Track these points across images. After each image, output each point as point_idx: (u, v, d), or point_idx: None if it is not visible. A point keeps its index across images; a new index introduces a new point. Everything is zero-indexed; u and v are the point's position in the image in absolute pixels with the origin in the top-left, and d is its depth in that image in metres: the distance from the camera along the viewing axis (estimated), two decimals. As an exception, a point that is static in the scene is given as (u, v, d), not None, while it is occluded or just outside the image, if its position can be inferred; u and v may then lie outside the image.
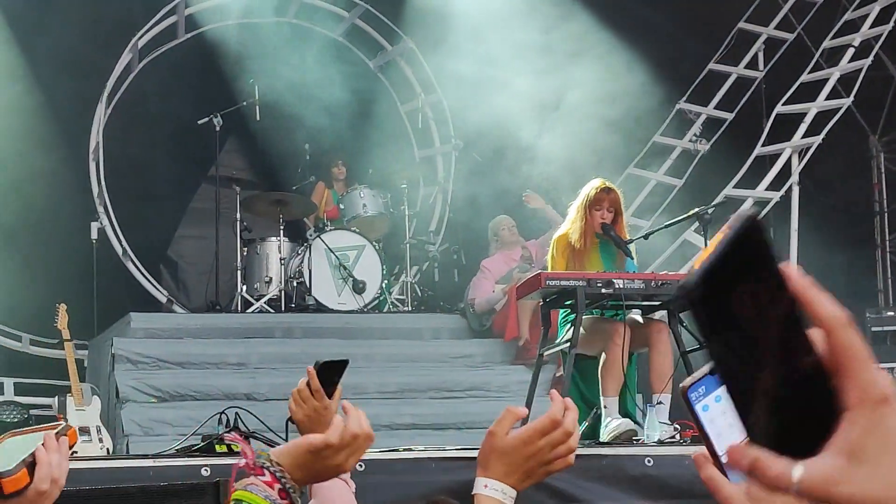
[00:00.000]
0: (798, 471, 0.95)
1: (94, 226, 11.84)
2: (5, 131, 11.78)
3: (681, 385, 1.41)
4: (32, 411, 11.01)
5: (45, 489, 2.48)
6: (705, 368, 1.44)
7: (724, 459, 1.47)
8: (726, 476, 1.45)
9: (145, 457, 6.65)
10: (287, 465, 2.30)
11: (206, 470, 5.67)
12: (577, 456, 6.68)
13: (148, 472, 6.04)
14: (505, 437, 2.29)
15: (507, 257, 11.74)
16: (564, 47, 12.85)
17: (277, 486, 2.26)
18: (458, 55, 13.28)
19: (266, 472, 2.27)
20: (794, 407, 0.98)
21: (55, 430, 2.60)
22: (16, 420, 10.74)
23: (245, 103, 12.55)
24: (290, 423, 3.23)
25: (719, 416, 1.41)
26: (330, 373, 3.15)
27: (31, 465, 2.50)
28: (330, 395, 3.11)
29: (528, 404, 8.01)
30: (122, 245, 12.50)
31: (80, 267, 11.61)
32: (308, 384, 3.10)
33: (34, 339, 12.04)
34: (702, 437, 1.45)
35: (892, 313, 12.22)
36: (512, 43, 13.08)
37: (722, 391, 1.41)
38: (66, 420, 9.31)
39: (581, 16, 13.07)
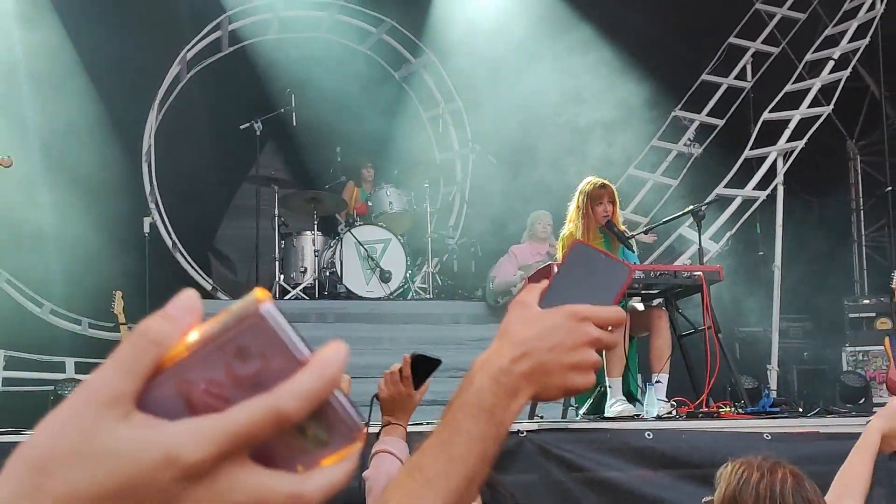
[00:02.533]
0: None
1: (147, 221, 11.86)
2: (68, 136, 11.80)
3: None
4: (91, 388, 11.01)
5: None
6: None
7: None
8: None
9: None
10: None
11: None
12: (584, 430, 6.63)
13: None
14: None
15: (535, 249, 11.63)
16: (571, 59, 12.86)
17: None
18: (475, 66, 13.30)
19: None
20: None
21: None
22: (76, 396, 10.75)
23: (283, 110, 12.53)
24: (374, 399, 3.15)
25: None
26: (423, 366, 3.06)
27: None
28: (417, 387, 3.05)
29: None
30: (171, 238, 12.53)
31: (134, 258, 11.61)
32: (400, 370, 3.03)
33: (93, 323, 12.05)
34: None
35: (867, 301, 12.14)
36: (524, 55, 13.11)
37: None
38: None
39: (585, 30, 13.09)
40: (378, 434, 3.11)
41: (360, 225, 11.81)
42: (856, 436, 6.46)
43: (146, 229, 11.75)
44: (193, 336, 0.73)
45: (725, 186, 12.72)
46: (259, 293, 0.75)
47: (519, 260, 11.47)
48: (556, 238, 11.67)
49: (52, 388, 11.05)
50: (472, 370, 1.44)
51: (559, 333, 1.40)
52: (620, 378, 7.98)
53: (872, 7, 12.96)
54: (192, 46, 13.13)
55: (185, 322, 0.73)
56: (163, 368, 0.72)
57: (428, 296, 12.37)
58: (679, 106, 14.02)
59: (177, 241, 12.62)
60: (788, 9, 14.09)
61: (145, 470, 0.69)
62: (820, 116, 12.63)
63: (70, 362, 11.73)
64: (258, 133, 12.14)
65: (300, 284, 11.61)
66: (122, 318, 9.74)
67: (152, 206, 12.33)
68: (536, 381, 1.41)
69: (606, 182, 8.37)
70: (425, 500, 1.38)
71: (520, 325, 1.43)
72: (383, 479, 2.98)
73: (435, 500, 1.38)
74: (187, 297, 0.75)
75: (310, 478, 0.73)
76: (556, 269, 1.45)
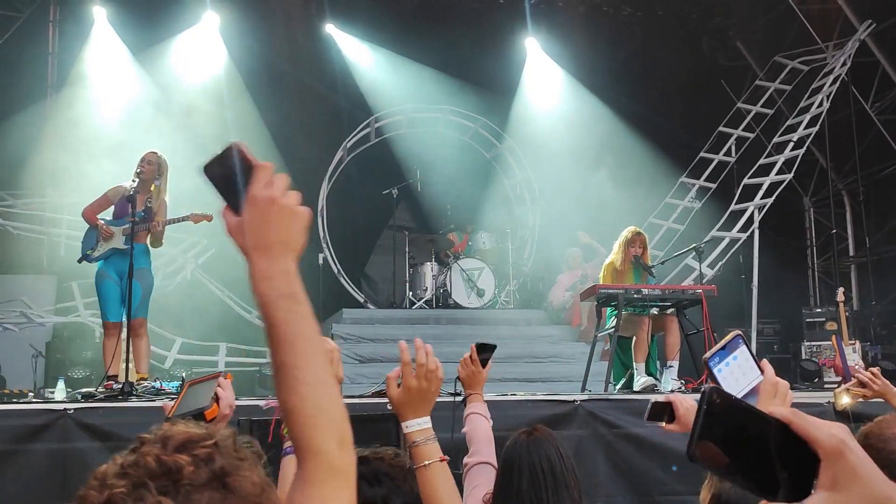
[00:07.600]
0: None
1: (321, 255, 12.00)
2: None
3: (703, 357, 1.42)
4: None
5: (227, 413, 2.44)
6: (719, 345, 1.46)
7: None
8: None
9: (351, 397, 6.66)
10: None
11: (388, 406, 5.65)
12: (620, 399, 6.53)
13: (354, 406, 6.06)
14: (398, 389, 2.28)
15: (573, 274, 11.67)
16: (611, 143, 12.84)
17: None
18: (540, 148, 13.29)
19: None
20: (792, 471, 0.99)
21: (221, 377, 2.54)
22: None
23: (411, 181, 12.62)
24: (457, 379, 3.09)
25: (728, 375, 1.45)
26: (485, 350, 3.00)
27: (216, 399, 2.46)
28: (483, 365, 2.98)
29: (588, 366, 7.92)
30: (336, 267, 12.65)
31: (312, 280, 11.74)
32: (470, 355, 2.97)
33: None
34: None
35: (819, 310, 11.90)
36: (575, 141, 13.06)
37: (730, 359, 1.43)
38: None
39: (621, 126, 13.04)
40: (464, 402, 3.02)
41: (463, 258, 11.81)
42: (809, 405, 6.25)
43: (320, 261, 11.89)
44: None
45: (717, 230, 12.56)
46: None
47: (564, 285, 11.56)
48: (587, 264, 11.65)
49: (257, 368, 11.21)
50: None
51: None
52: (644, 363, 7.90)
53: (820, 105, 12.80)
54: (351, 138, 13.29)
55: None
56: None
57: (510, 306, 12.30)
58: (684, 174, 13.84)
59: (340, 269, 12.73)
60: (761, 107, 13.92)
61: None
62: (784, 181, 12.47)
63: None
64: (395, 196, 12.25)
65: (423, 298, 11.64)
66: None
67: (324, 245, 12.46)
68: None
69: (640, 230, 8.41)
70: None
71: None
72: (480, 432, 2.93)
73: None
74: None
75: None
76: None
